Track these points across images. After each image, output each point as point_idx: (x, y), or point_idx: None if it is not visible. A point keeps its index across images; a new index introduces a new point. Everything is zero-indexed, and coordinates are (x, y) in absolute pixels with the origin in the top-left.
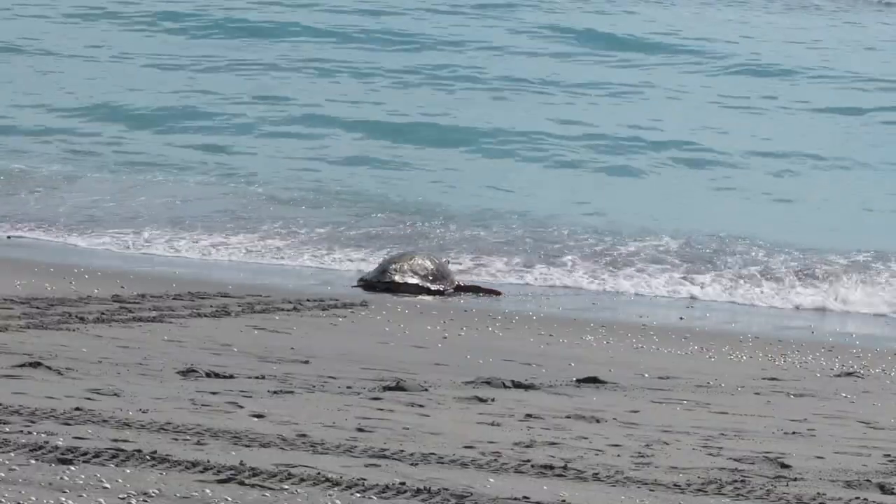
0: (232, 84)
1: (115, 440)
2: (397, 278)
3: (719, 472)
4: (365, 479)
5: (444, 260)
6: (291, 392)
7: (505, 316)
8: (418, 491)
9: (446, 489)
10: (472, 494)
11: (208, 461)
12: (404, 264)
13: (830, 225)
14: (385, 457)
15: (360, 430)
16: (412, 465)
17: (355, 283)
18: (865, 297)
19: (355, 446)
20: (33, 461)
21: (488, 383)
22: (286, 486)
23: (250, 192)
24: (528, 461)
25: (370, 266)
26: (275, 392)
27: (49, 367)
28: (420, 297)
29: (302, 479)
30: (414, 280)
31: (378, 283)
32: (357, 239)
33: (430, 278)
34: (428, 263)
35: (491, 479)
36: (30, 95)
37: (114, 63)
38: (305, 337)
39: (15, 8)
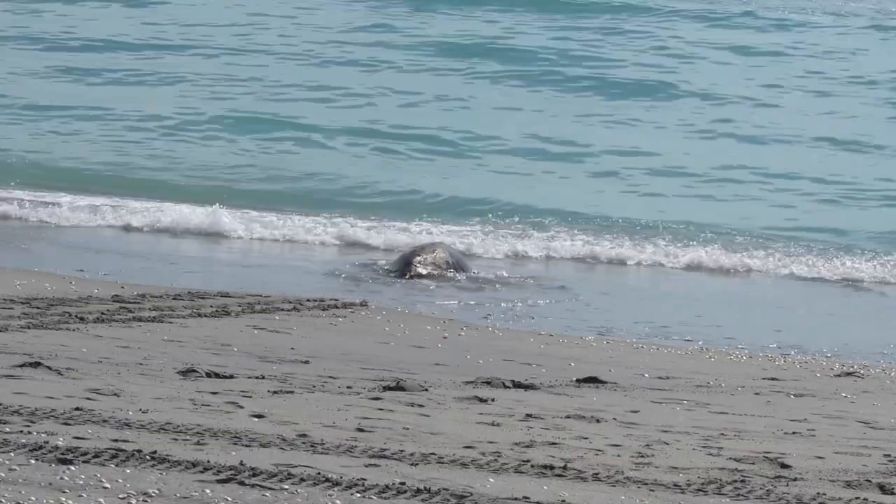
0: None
1: (115, 440)
2: (421, 271)
3: (719, 472)
4: (365, 479)
5: (459, 252)
6: (291, 392)
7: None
8: (418, 491)
9: (446, 489)
10: (472, 494)
11: (208, 461)
12: (427, 257)
13: None
14: (385, 457)
15: (360, 430)
16: (412, 465)
17: (388, 271)
18: None
19: (355, 446)
20: (33, 461)
21: (488, 383)
22: (286, 486)
23: None
24: (528, 461)
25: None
26: (275, 392)
27: (49, 367)
28: (437, 287)
29: (302, 479)
30: (438, 272)
31: (408, 278)
32: None
33: (451, 271)
34: (448, 256)
35: (491, 479)
36: None
37: None
38: (305, 337)
39: None
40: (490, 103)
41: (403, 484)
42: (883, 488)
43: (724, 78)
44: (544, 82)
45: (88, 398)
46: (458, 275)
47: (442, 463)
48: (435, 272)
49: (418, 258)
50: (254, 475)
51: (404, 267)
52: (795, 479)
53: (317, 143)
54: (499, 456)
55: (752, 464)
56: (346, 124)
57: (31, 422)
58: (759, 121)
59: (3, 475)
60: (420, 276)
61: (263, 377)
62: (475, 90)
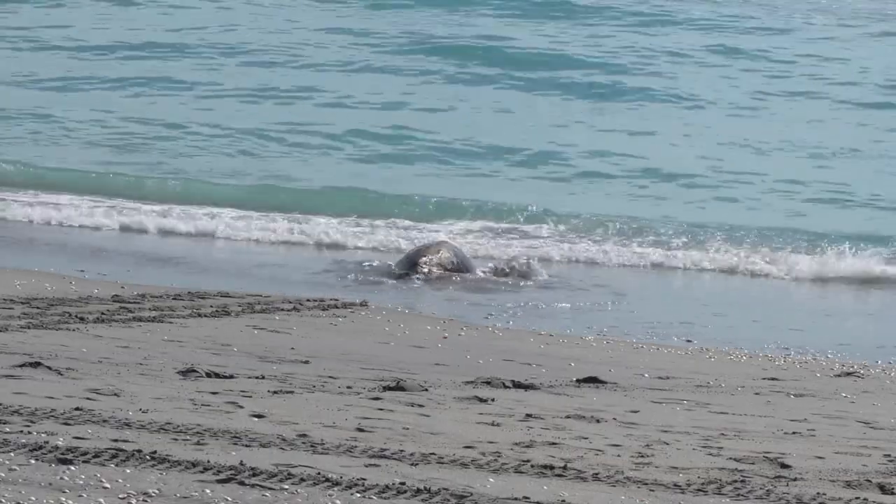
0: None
1: (115, 440)
2: (427, 270)
3: (719, 472)
4: (365, 479)
5: (464, 251)
6: (291, 392)
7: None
8: (418, 491)
9: (446, 489)
10: (472, 494)
11: (208, 461)
12: (433, 258)
13: None
14: (385, 457)
15: (360, 430)
16: (412, 465)
17: (393, 270)
18: None
19: (355, 446)
20: (33, 461)
21: (488, 383)
22: (286, 486)
23: None
24: (528, 461)
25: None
26: (275, 392)
27: (49, 367)
28: (438, 287)
29: (302, 479)
30: (443, 272)
31: (414, 277)
32: None
33: (457, 271)
34: (453, 256)
35: (491, 479)
36: None
37: None
38: (305, 337)
39: None
40: (483, 105)
41: (403, 484)
42: (883, 488)
43: (716, 81)
44: (538, 83)
45: (88, 398)
46: (462, 275)
47: (442, 463)
48: (441, 272)
49: (424, 258)
50: (254, 475)
51: (410, 266)
52: (795, 479)
53: (317, 144)
54: (499, 456)
55: (752, 464)
56: (346, 125)
57: (31, 422)
58: (752, 123)
59: (3, 475)
60: (426, 275)
61: (263, 377)
62: (469, 91)
